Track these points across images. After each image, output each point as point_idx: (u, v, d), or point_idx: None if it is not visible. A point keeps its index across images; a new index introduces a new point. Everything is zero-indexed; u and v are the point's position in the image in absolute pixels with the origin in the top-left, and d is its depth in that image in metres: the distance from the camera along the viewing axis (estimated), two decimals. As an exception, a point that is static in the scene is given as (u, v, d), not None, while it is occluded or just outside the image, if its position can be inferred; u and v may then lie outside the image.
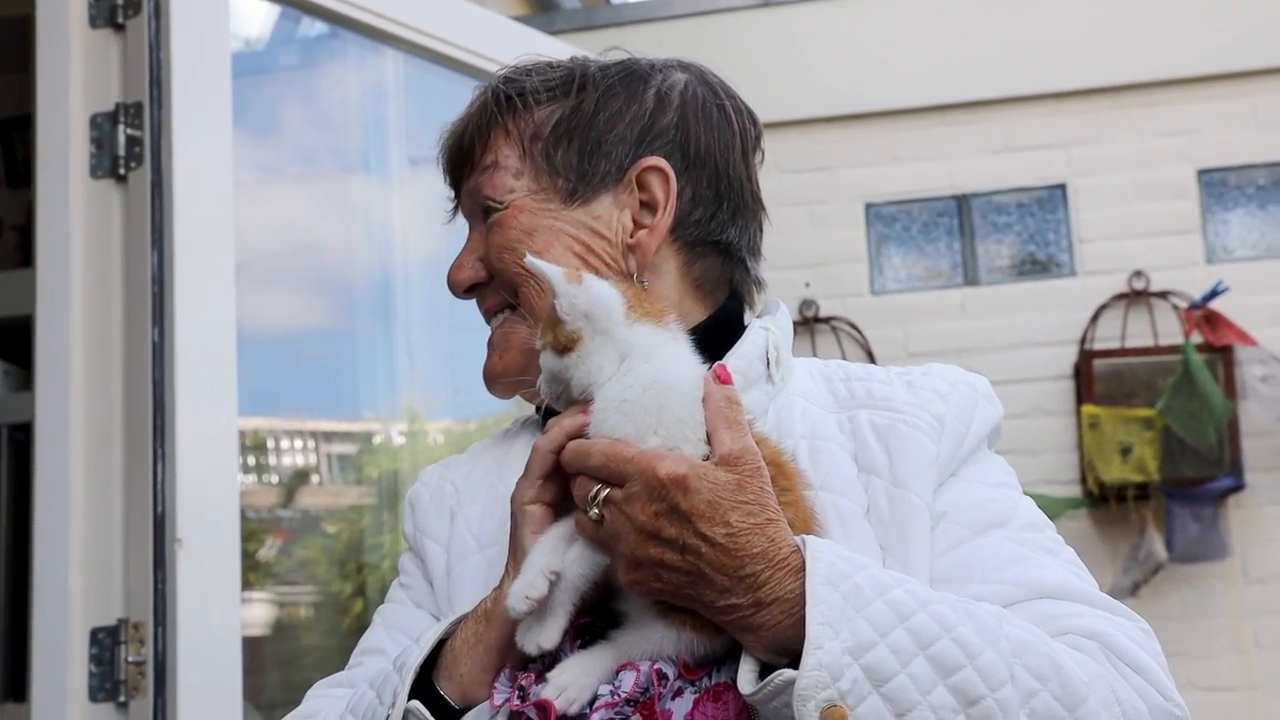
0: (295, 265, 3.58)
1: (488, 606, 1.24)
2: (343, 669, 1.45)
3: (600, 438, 1.17)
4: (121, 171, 2.41)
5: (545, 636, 1.17)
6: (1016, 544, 1.26)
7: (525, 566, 1.17)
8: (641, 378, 1.17)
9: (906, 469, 1.28)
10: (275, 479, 3.89)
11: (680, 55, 1.47)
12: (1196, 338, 4.25)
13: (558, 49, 3.03)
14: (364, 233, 3.67)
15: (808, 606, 1.08)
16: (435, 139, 1.48)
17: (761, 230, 1.47)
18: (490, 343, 1.43)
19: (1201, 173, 4.48)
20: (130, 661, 2.26)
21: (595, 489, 1.15)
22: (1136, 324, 4.39)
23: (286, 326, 3.56)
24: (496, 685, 1.21)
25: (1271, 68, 4.42)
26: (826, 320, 4.51)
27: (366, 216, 3.66)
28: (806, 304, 4.49)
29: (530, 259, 1.22)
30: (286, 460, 3.91)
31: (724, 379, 1.20)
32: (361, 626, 1.48)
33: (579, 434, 1.18)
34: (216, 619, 2.33)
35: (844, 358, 4.03)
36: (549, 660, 1.19)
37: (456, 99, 1.50)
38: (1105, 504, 4.26)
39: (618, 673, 1.17)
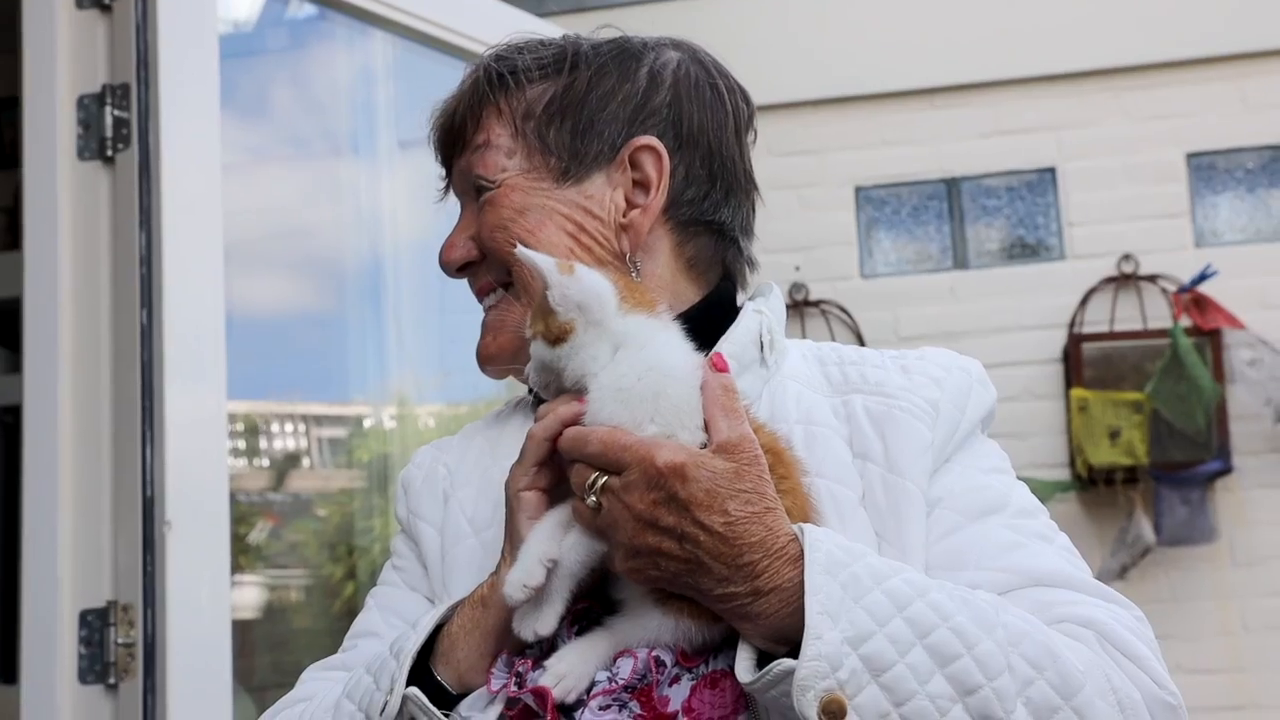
0: (285, 248, 3.57)
1: (484, 592, 1.24)
2: (334, 652, 1.45)
3: (597, 426, 1.17)
4: (109, 153, 2.41)
5: (542, 623, 1.17)
6: (1011, 531, 1.27)
7: (522, 554, 1.17)
8: (636, 366, 1.17)
9: (902, 455, 1.28)
10: (266, 462, 3.90)
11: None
12: (1185, 321, 4.26)
13: (547, 31, 3.02)
14: (354, 216, 3.66)
15: (806, 596, 1.08)
16: (426, 118, 1.47)
17: (754, 210, 1.47)
18: (484, 324, 1.42)
19: (1191, 156, 4.48)
20: (119, 644, 2.27)
21: (593, 477, 1.15)
22: (1125, 308, 4.39)
23: (277, 310, 3.56)
24: (494, 671, 1.21)
25: (1261, 51, 4.42)
26: (816, 304, 4.51)
27: (356, 199, 3.65)
28: (796, 287, 4.49)
29: (521, 249, 1.22)
30: (277, 444, 3.91)
31: (720, 367, 1.20)
32: (352, 610, 1.48)
33: (574, 422, 1.18)
34: (206, 601, 2.34)
35: (834, 341, 4.03)
36: (546, 646, 1.20)
37: (446, 81, 1.50)
38: (1094, 487, 4.26)
39: (615, 660, 1.17)
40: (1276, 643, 4.20)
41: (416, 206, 3.59)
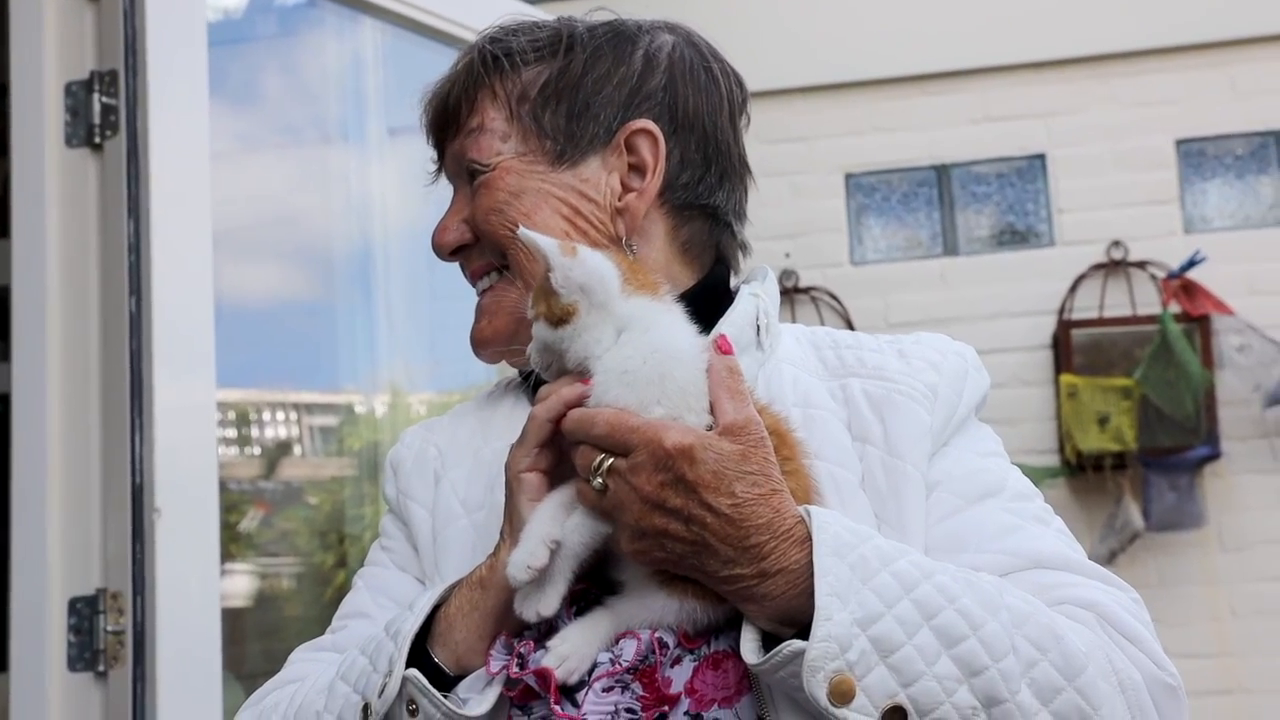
0: (275, 236, 3.57)
1: (483, 574, 1.23)
2: None
3: (603, 407, 1.16)
4: (97, 140, 2.40)
5: (544, 604, 1.17)
6: (1009, 514, 1.28)
7: (525, 535, 1.17)
8: (642, 348, 1.17)
9: (901, 439, 1.29)
10: (257, 450, 3.89)
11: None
12: (1174, 307, 4.27)
13: (540, 15, 3.01)
14: (344, 203, 3.65)
15: (816, 578, 1.09)
16: (417, 101, 1.46)
17: (748, 194, 1.47)
18: (479, 307, 1.42)
19: (1180, 143, 4.49)
20: (109, 631, 2.27)
21: (599, 458, 1.15)
22: (1115, 294, 4.40)
23: (267, 298, 3.56)
24: (493, 653, 1.21)
25: (1250, 38, 4.43)
26: (806, 290, 4.52)
27: (346, 187, 3.64)
28: (786, 274, 4.49)
29: (523, 230, 1.21)
30: (268, 432, 3.91)
31: (725, 349, 1.20)
32: (343, 598, 1.47)
33: (578, 403, 1.18)
34: (195, 589, 2.33)
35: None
36: (546, 628, 1.20)
37: (436, 68, 1.49)
38: (1083, 473, 4.28)
39: (618, 641, 1.17)
40: (1264, 627, 4.22)
41: (407, 194, 3.59)
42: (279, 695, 1.34)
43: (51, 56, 2.42)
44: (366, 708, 1.22)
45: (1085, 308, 4.41)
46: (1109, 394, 4.21)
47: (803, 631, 1.08)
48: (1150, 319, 4.28)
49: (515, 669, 1.17)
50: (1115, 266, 4.41)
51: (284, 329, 3.60)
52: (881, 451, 1.29)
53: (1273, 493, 4.28)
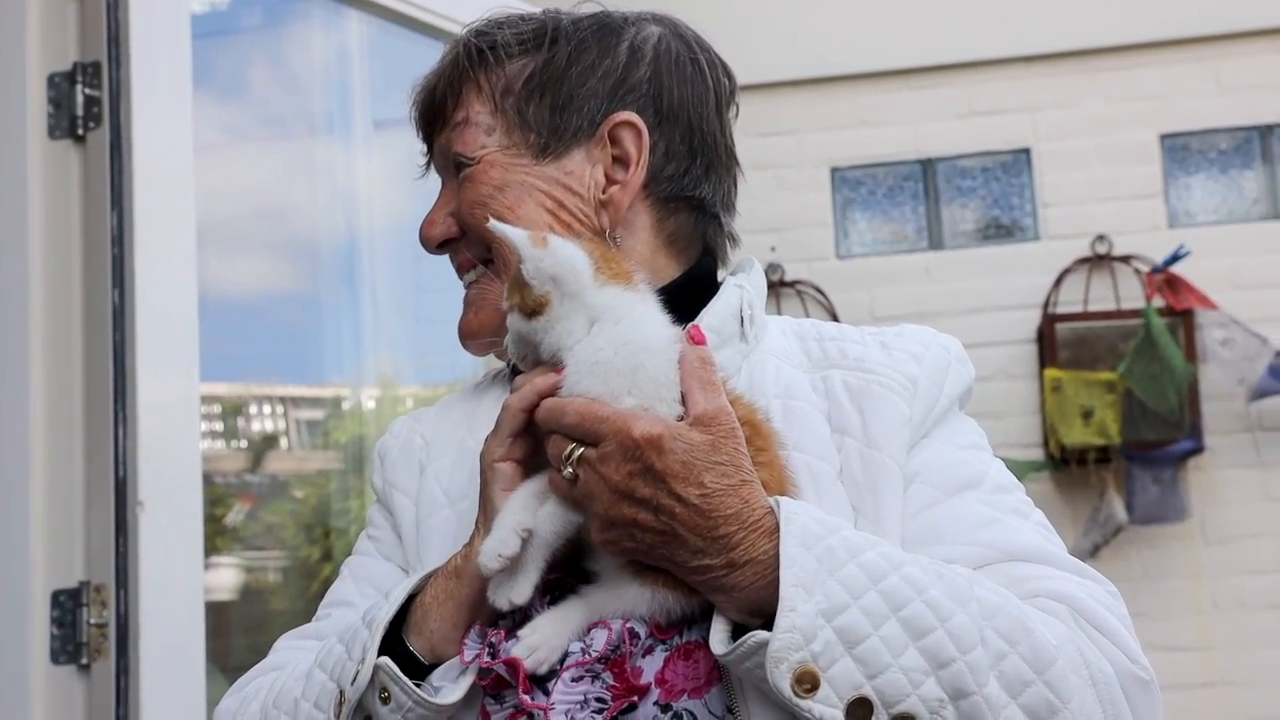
0: (260, 228, 3.56)
1: (458, 563, 1.24)
2: None
3: (574, 397, 1.17)
4: (80, 132, 2.39)
5: (517, 592, 1.17)
6: (987, 506, 1.27)
7: (497, 524, 1.17)
8: (613, 339, 1.17)
9: (879, 430, 1.28)
10: (243, 444, 3.89)
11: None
12: (1158, 301, 4.29)
13: (526, 8, 3.01)
14: (330, 196, 3.65)
15: (781, 568, 1.09)
16: (406, 95, 1.47)
17: (736, 186, 1.47)
18: (466, 300, 1.42)
19: (1164, 137, 4.50)
20: (92, 624, 2.26)
21: (570, 448, 1.15)
22: (1099, 288, 4.42)
23: (253, 290, 3.55)
24: (466, 642, 1.21)
25: (1234, 32, 4.44)
26: (792, 284, 4.52)
27: (332, 180, 3.64)
28: (772, 268, 4.50)
29: (494, 223, 1.22)
30: (254, 425, 3.91)
31: (698, 340, 1.21)
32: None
33: (551, 393, 1.18)
34: (179, 582, 2.33)
35: (809, 321, 4.04)
36: (519, 617, 1.20)
37: (422, 61, 1.49)
38: (1067, 467, 4.29)
39: (589, 630, 1.18)
40: (1246, 620, 4.24)
41: (393, 187, 3.58)
42: (260, 682, 1.35)
43: (34, 48, 2.41)
44: (341, 695, 1.22)
45: (1070, 302, 4.42)
46: (1093, 388, 4.22)
47: (769, 622, 1.08)
48: (1134, 313, 4.29)
49: (486, 658, 1.18)
50: (1100, 261, 4.42)
51: (270, 322, 3.60)
52: (859, 443, 1.28)
53: (1255, 486, 4.30)
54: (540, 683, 1.16)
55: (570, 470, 1.15)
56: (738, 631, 1.12)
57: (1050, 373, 4.27)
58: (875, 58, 4.59)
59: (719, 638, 1.12)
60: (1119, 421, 4.19)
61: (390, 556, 1.42)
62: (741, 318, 1.36)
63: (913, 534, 1.24)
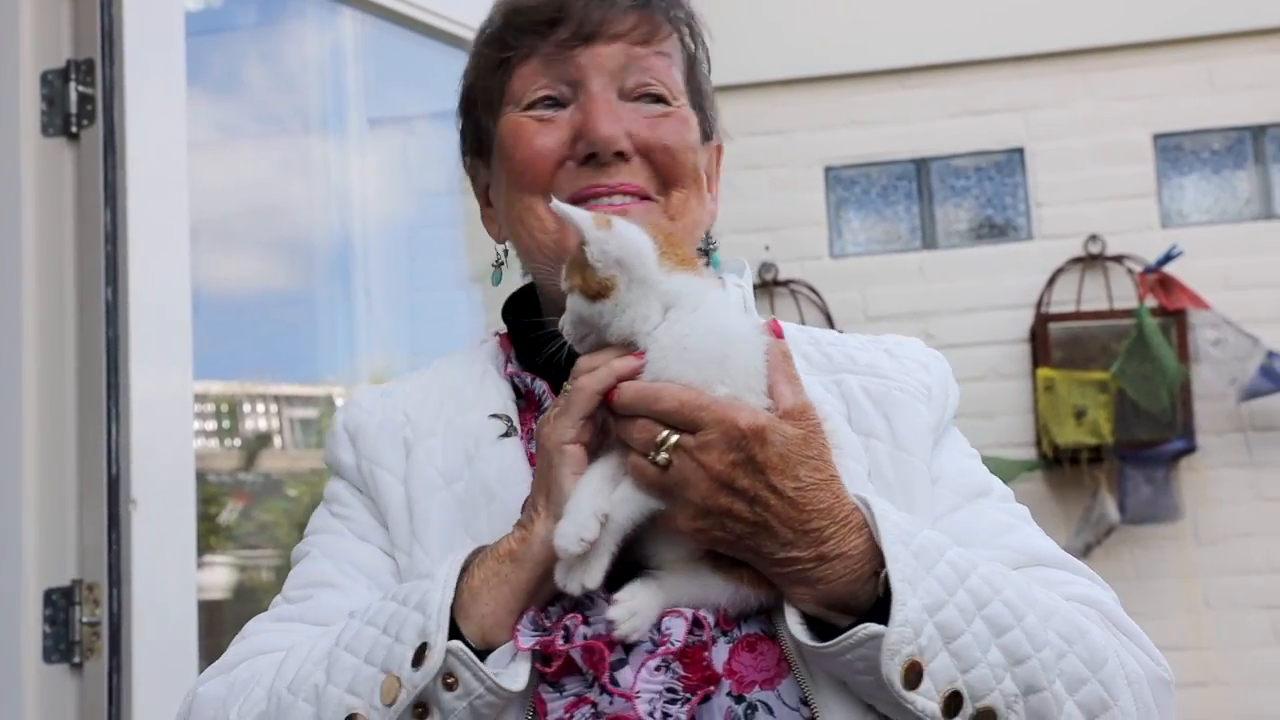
0: (254, 226, 3.56)
1: (512, 546, 1.20)
2: None
3: (664, 383, 1.15)
4: (73, 129, 2.39)
5: (589, 577, 1.15)
6: (1004, 513, 1.32)
7: (573, 507, 1.15)
8: (697, 326, 1.16)
9: (907, 433, 1.31)
10: (236, 442, 3.89)
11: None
12: (1151, 301, 4.30)
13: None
14: (323, 194, 3.65)
15: (889, 563, 1.11)
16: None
17: None
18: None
19: (1157, 137, 4.51)
20: (84, 622, 2.26)
21: (664, 434, 1.14)
22: (1092, 288, 4.43)
23: (246, 288, 3.55)
24: (520, 628, 1.18)
25: (1227, 33, 4.45)
26: (785, 283, 4.52)
27: (326, 178, 3.64)
28: (766, 267, 4.50)
29: (556, 203, 1.20)
30: (248, 424, 3.90)
31: (777, 332, 1.22)
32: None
33: (630, 377, 1.16)
34: (172, 580, 2.33)
35: (802, 321, 4.04)
36: (572, 604, 1.19)
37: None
38: (1059, 466, 4.30)
39: (661, 619, 1.18)
40: (1238, 620, 4.26)
41: (387, 185, 3.58)
42: (254, 666, 1.27)
43: (28, 45, 2.41)
44: (398, 681, 1.15)
45: (1063, 301, 4.43)
46: (1086, 387, 4.24)
47: (868, 615, 1.11)
48: (1127, 313, 4.30)
49: (561, 642, 1.16)
50: (1093, 260, 4.43)
51: (263, 320, 3.60)
52: (889, 446, 1.31)
53: (1247, 486, 4.32)
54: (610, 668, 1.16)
55: (665, 456, 1.14)
56: (812, 623, 1.15)
57: (1043, 372, 4.28)
58: (868, 57, 4.60)
59: (800, 629, 1.14)
60: (1111, 421, 4.20)
61: (366, 537, 1.37)
62: None
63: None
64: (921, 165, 4.62)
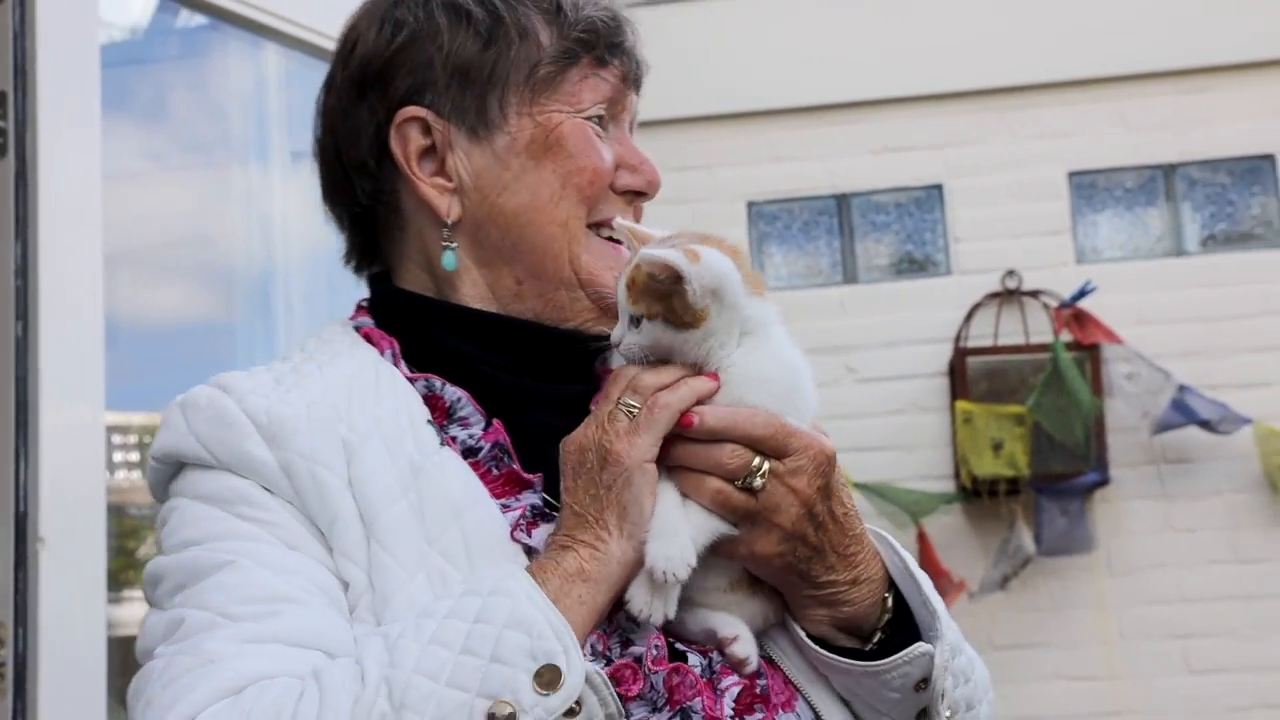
0: (176, 256, 3.53)
1: (584, 566, 1.13)
2: None
3: (742, 407, 1.16)
4: (-16, 162, 2.36)
5: (670, 605, 1.14)
6: None
7: (668, 531, 1.13)
8: (772, 355, 1.19)
9: None
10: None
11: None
12: (1066, 336, 4.37)
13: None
14: (246, 226, 3.62)
15: (925, 588, 1.24)
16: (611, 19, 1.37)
17: None
18: (606, 259, 1.33)
19: (1072, 174, 4.60)
20: (-10, 662, 2.22)
21: (759, 459, 1.14)
22: (1009, 322, 4.49)
23: (168, 319, 3.52)
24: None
25: (1140, 73, 4.55)
26: (709, 317, 4.54)
27: (248, 209, 3.61)
28: (689, 300, 4.52)
29: (645, 251, 1.16)
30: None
31: None
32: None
33: (706, 399, 1.16)
34: (80, 619, 2.29)
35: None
36: (611, 627, 1.16)
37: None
38: (978, 498, 4.35)
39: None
40: (1151, 650, 4.32)
41: (309, 216, 3.56)
42: (278, 693, 1.07)
43: (-61, 77, 2.39)
44: (510, 710, 1.05)
45: (980, 336, 4.49)
46: (1003, 421, 4.29)
47: (853, 637, 1.23)
48: (1043, 347, 4.37)
49: (655, 663, 1.15)
50: (1010, 295, 4.50)
51: (186, 350, 3.56)
52: None
53: (1159, 518, 4.39)
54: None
55: (760, 482, 1.14)
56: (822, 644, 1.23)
57: (961, 405, 4.33)
58: (791, 94, 4.65)
59: (825, 651, 1.21)
60: (1028, 454, 4.26)
61: (298, 546, 1.18)
62: None
63: None
64: (842, 201, 4.67)
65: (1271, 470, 4.28)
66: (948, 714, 1.22)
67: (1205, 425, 4.29)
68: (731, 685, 1.17)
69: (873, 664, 1.20)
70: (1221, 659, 4.29)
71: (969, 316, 4.49)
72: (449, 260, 1.31)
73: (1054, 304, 4.43)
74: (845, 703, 1.25)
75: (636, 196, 1.36)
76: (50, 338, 2.31)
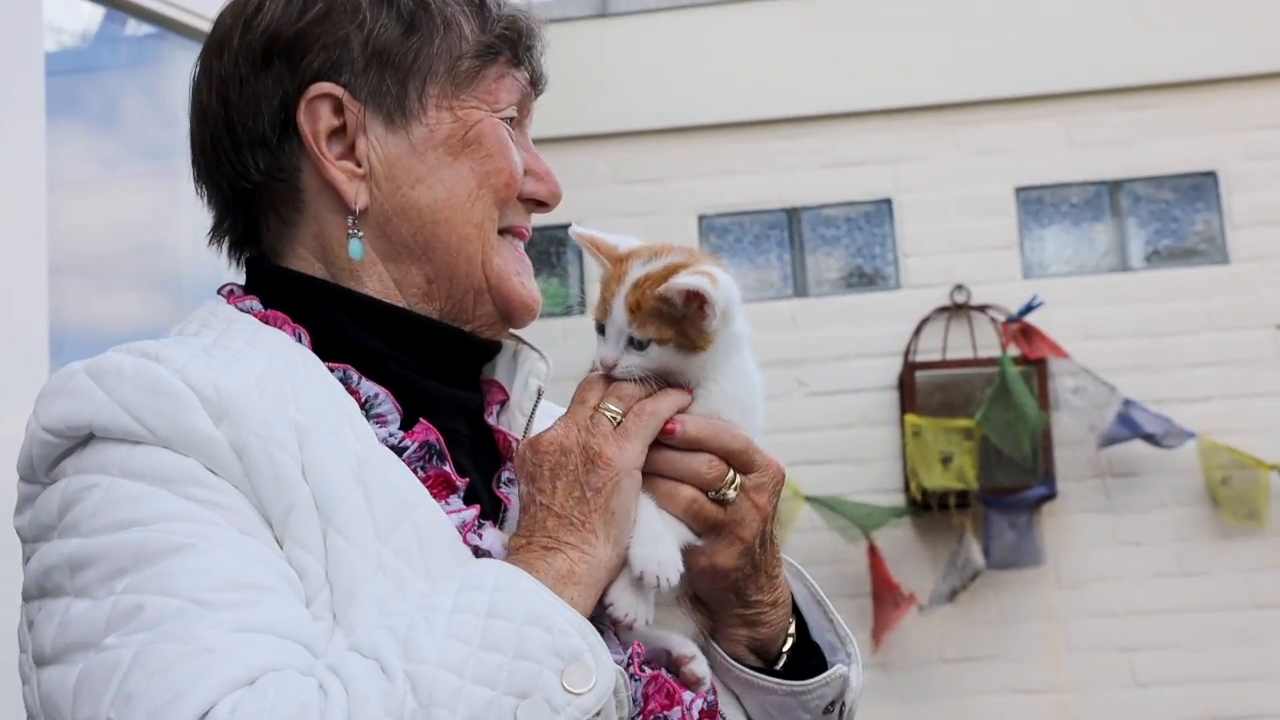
0: (128, 265, 3.50)
1: (574, 568, 1.10)
2: None
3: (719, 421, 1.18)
4: (-75, 170, 2.33)
5: (649, 610, 1.14)
6: None
7: (653, 536, 1.13)
8: (745, 372, 1.19)
9: None
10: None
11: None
12: (1013, 350, 4.40)
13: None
14: (195, 233, 3.60)
15: (833, 615, 1.28)
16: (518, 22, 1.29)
17: None
18: (522, 268, 1.29)
19: (1019, 190, 4.64)
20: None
21: (732, 473, 1.15)
22: (957, 336, 4.52)
23: (120, 326, 3.48)
24: None
25: (1085, 90, 4.60)
26: (660, 329, 4.54)
27: (197, 217, 3.59)
28: (640, 313, 4.52)
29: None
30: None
31: None
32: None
33: (683, 410, 1.17)
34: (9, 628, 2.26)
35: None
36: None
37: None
38: (928, 511, 4.37)
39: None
40: (1098, 662, 4.35)
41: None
42: (298, 686, 1.00)
43: (-121, 84, 2.35)
44: (540, 703, 1.01)
45: (929, 350, 4.52)
46: (951, 434, 4.31)
47: (768, 659, 1.24)
48: (990, 361, 4.40)
49: (641, 670, 1.14)
50: (958, 310, 4.53)
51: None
52: None
53: (1106, 531, 4.43)
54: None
55: (733, 494, 1.15)
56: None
57: (911, 419, 4.35)
58: (742, 108, 4.66)
59: (754, 673, 1.22)
60: (976, 467, 4.29)
61: (249, 531, 1.08)
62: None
63: None
64: (793, 214, 4.69)
65: (1214, 484, 4.33)
66: None
67: (1150, 439, 4.33)
68: (694, 700, 1.17)
69: (799, 684, 1.21)
70: (1167, 672, 4.33)
71: (918, 330, 4.52)
72: (355, 249, 1.23)
73: (1001, 318, 4.47)
74: None
75: (537, 206, 1.30)
76: (-8, 347, 2.28)
